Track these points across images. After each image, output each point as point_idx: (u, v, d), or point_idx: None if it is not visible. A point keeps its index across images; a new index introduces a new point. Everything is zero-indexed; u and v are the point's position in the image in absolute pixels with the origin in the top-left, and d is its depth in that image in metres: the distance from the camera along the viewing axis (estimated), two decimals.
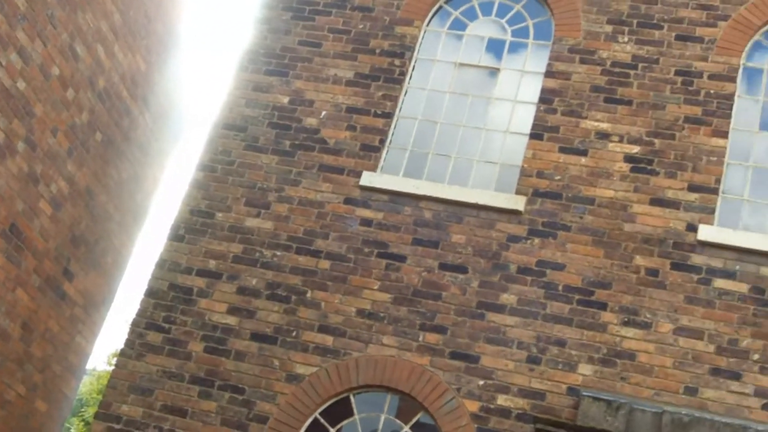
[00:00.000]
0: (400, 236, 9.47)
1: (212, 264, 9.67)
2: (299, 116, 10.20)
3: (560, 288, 9.06)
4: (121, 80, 12.91)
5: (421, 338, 9.05)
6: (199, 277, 9.63)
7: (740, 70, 9.76)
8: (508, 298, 9.09)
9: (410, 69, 10.36)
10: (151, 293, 9.66)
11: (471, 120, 10.04)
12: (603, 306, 8.95)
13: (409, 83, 10.32)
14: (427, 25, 10.59)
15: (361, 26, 10.54)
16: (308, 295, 9.37)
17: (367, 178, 9.72)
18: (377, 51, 10.38)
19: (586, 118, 9.72)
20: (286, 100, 10.32)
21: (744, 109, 9.65)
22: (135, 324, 9.56)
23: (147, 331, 9.49)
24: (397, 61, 10.31)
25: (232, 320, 9.39)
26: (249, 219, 9.81)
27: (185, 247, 9.80)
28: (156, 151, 14.42)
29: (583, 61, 9.98)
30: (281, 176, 9.95)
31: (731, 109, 9.57)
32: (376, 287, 9.31)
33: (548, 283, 9.09)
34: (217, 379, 9.17)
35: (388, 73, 10.26)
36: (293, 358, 9.15)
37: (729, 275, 8.89)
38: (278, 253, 9.59)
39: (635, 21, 10.06)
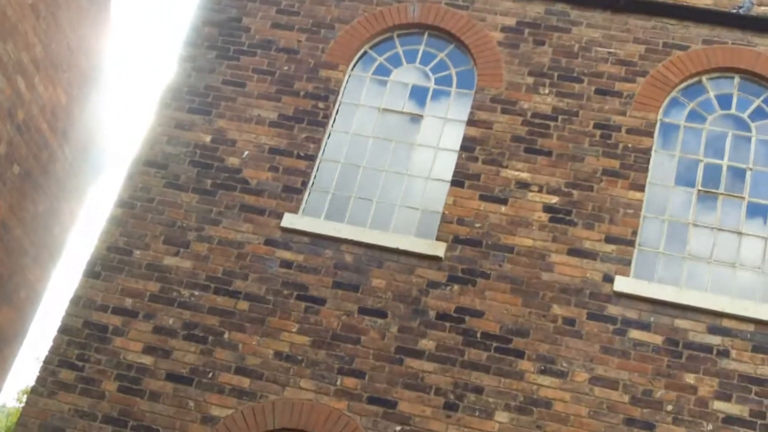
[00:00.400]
0: (320, 279, 9.40)
1: (128, 302, 9.47)
2: (221, 155, 10.10)
3: (478, 335, 9.06)
4: (41, 113, 12.67)
5: (339, 382, 8.96)
6: (115, 315, 9.42)
7: (657, 126, 9.94)
8: (426, 344, 9.06)
9: (334, 112, 10.34)
10: (64, 330, 9.42)
11: (393, 165, 10.05)
12: (520, 354, 8.96)
13: (332, 126, 10.30)
14: (352, 69, 10.59)
15: (286, 68, 10.50)
16: (226, 336, 9.23)
17: (289, 220, 9.64)
18: (301, 93, 10.35)
19: (506, 167, 9.79)
20: (208, 138, 10.21)
21: (660, 164, 9.82)
22: (47, 361, 9.30)
23: (60, 369, 9.25)
24: (321, 104, 10.28)
25: (147, 360, 9.20)
26: (167, 257, 9.64)
27: (101, 285, 9.59)
28: (74, 186, 14.16)
29: (504, 111, 10.06)
30: (201, 215, 9.81)
31: (648, 163, 9.72)
32: (294, 330, 9.21)
33: (467, 330, 9.09)
34: (130, 420, 8.95)
35: (311, 116, 10.23)
36: (209, 400, 8.99)
37: (644, 326, 8.98)
38: (196, 293, 9.44)
39: (556, 74, 10.19)
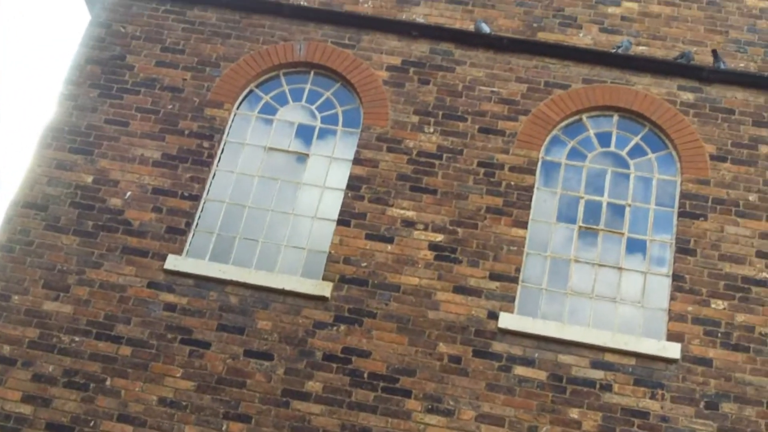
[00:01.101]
0: (205, 322, 9.27)
1: (6, 349, 9.19)
2: (103, 196, 9.91)
3: (365, 375, 9.03)
4: None
5: (224, 427, 8.83)
6: None
7: (539, 164, 10.08)
8: (313, 386, 9.00)
9: (219, 151, 10.25)
10: None
11: (279, 205, 9.99)
12: (407, 393, 8.96)
13: (217, 166, 10.20)
14: (237, 108, 10.52)
15: (170, 107, 10.37)
16: (108, 382, 9.02)
17: (172, 262, 9.49)
18: (186, 132, 10.23)
19: (392, 205, 9.81)
20: (90, 179, 10.01)
21: (542, 201, 9.96)
22: None
23: None
24: (205, 143, 10.18)
25: (26, 409, 8.93)
26: (47, 302, 9.40)
27: None
28: None
29: (390, 150, 10.10)
30: (82, 258, 9.60)
31: (530, 200, 9.85)
32: (178, 375, 9.05)
33: (354, 371, 9.05)
34: None
35: (196, 155, 10.11)
36: None
37: (528, 363, 9.07)
38: (77, 339, 9.21)
39: (441, 113, 10.28)
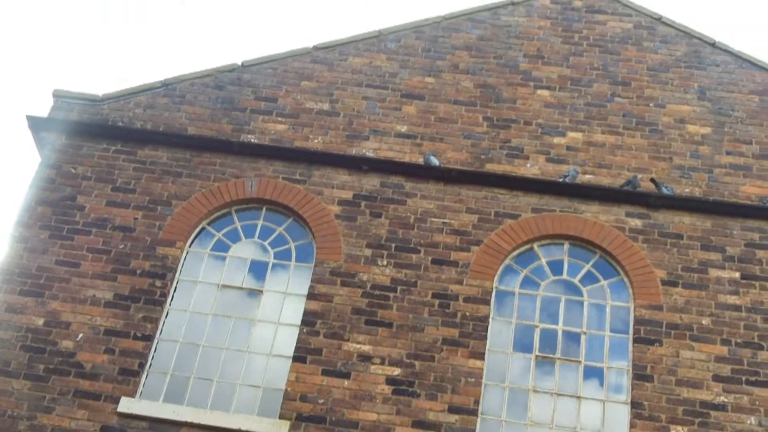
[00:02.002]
0: None
1: None
2: (54, 339, 9.83)
3: None
4: None
5: None
6: None
7: (493, 293, 10.20)
8: None
9: (172, 290, 10.25)
10: None
11: (233, 342, 9.97)
12: None
13: (170, 305, 10.19)
14: (190, 246, 10.57)
15: (121, 246, 10.40)
16: None
17: (126, 405, 9.39)
18: (138, 272, 10.23)
19: (348, 340, 9.83)
20: (41, 321, 9.94)
21: (498, 331, 10.05)
22: None
23: None
24: (158, 282, 10.18)
25: None
26: None
27: None
28: None
29: (344, 284, 10.17)
30: (33, 403, 9.46)
31: (486, 330, 9.93)
32: None
33: None
34: None
35: (148, 295, 10.10)
36: None
37: None
38: None
39: (393, 245, 10.41)
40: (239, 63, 11.87)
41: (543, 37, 12.28)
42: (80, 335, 9.85)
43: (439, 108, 11.53)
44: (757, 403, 9.57)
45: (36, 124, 11.31)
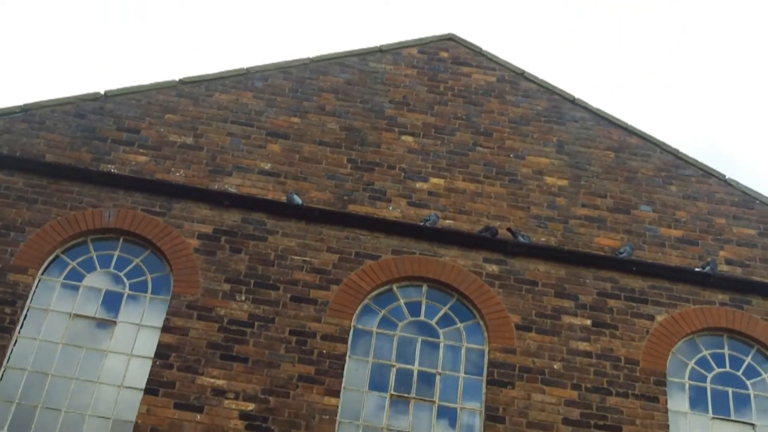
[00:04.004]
0: None
1: None
2: None
3: None
4: None
5: None
6: None
7: (351, 332, 10.49)
8: None
9: (21, 318, 10.21)
10: None
11: (84, 373, 9.98)
12: None
13: (19, 332, 10.14)
14: (42, 273, 10.55)
15: None
16: None
17: None
18: None
19: (202, 374, 9.96)
20: None
21: (355, 369, 10.32)
22: None
23: None
24: (8, 309, 10.13)
25: None
26: None
27: None
28: None
29: (200, 318, 10.31)
30: None
31: (343, 368, 10.19)
32: None
33: None
34: None
35: None
36: None
37: None
38: None
39: (253, 281, 10.61)
40: (102, 92, 11.98)
41: (409, 84, 12.78)
42: None
43: (304, 148, 11.86)
44: None
45: None
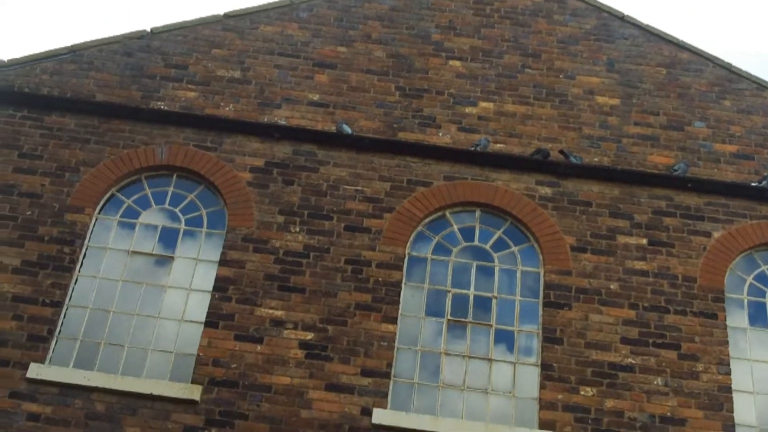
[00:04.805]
0: (71, 431, 9.28)
1: None
2: None
3: None
4: None
5: None
6: None
7: (406, 259, 10.55)
8: None
9: (81, 257, 10.39)
10: None
11: (144, 308, 10.16)
12: None
13: (79, 271, 10.33)
14: (99, 212, 10.71)
15: (29, 213, 10.49)
16: None
17: (35, 371, 9.52)
18: (46, 238, 10.35)
19: (260, 305, 10.09)
20: None
21: (410, 296, 10.40)
22: None
23: None
24: (67, 249, 10.31)
25: None
26: None
27: None
28: None
29: (256, 250, 10.42)
30: None
31: (399, 296, 10.28)
32: None
33: None
34: None
35: (57, 261, 10.23)
36: None
37: None
38: None
39: (306, 212, 10.69)
40: (148, 30, 12.03)
41: (455, 8, 12.68)
42: None
43: (352, 77, 11.85)
44: (663, 364, 10.08)
45: None
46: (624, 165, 11.39)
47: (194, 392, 9.52)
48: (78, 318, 10.06)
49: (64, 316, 10.04)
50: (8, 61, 11.54)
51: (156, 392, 9.50)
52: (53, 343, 9.86)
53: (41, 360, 9.66)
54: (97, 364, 9.78)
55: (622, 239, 10.82)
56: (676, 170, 11.25)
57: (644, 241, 10.83)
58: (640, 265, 10.66)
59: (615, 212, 10.99)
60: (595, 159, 11.42)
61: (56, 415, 9.36)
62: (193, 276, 10.39)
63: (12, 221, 10.44)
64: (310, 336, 9.95)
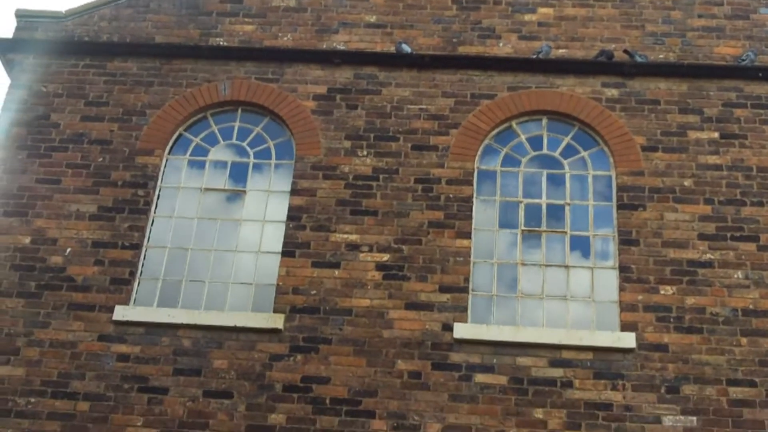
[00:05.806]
0: (160, 368, 9.51)
1: None
2: (43, 255, 10.14)
3: (327, 401, 9.34)
4: None
5: None
6: None
7: (475, 174, 10.52)
8: (276, 418, 9.27)
9: (155, 198, 10.54)
10: None
11: (221, 243, 10.31)
12: (371, 414, 9.28)
13: (155, 212, 10.49)
14: (168, 153, 10.83)
15: (100, 159, 10.66)
16: None
17: (120, 312, 9.75)
18: (119, 183, 10.51)
19: (334, 231, 10.17)
20: (27, 240, 10.24)
21: (482, 210, 10.39)
22: None
23: None
24: (140, 192, 10.47)
25: None
26: None
27: None
28: None
29: (326, 177, 10.47)
30: (29, 319, 9.81)
31: (471, 210, 10.27)
32: (140, 423, 9.28)
33: (315, 398, 9.35)
34: None
35: (132, 204, 10.40)
36: None
37: (488, 369, 9.44)
38: (32, 400, 9.40)
39: (372, 135, 10.69)
40: None
41: None
42: (68, 250, 10.16)
43: None
44: (743, 257, 9.96)
45: (2, 46, 11.47)
46: (690, 59, 11.14)
47: (277, 321, 9.67)
48: (157, 258, 10.25)
49: (144, 258, 10.24)
50: (66, 12, 11.63)
51: (240, 324, 9.67)
52: (136, 284, 10.07)
53: (126, 302, 9.88)
54: (180, 302, 9.97)
55: (693, 135, 10.64)
56: (743, 60, 10.98)
57: (716, 134, 10.63)
58: (713, 159, 10.49)
59: (684, 108, 10.79)
60: (660, 56, 11.19)
61: (145, 354, 9.59)
62: (266, 208, 10.49)
63: (85, 169, 10.62)
64: (386, 257, 10.01)
